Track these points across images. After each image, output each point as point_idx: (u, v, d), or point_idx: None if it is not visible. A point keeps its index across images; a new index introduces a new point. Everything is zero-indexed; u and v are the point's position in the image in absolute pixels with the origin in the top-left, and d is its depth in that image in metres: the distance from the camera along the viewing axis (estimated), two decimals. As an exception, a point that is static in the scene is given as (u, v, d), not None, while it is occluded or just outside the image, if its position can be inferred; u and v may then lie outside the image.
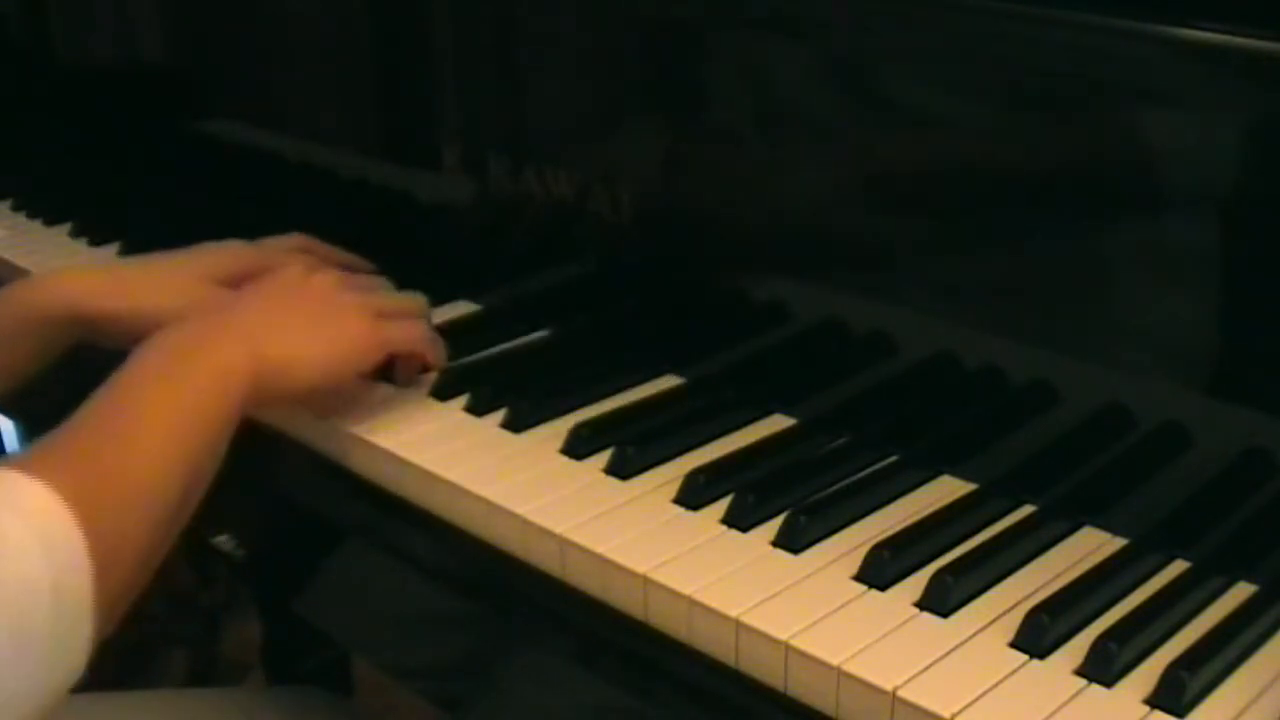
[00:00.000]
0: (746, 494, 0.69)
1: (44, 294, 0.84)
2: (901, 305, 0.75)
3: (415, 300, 0.83)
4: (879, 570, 0.64)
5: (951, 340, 0.73)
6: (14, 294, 0.84)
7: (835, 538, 0.67)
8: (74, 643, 0.57)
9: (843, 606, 0.62)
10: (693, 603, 0.62)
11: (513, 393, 0.79)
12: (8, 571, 0.55)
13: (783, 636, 0.59)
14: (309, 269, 0.80)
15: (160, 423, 0.66)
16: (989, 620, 0.61)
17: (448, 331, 0.86)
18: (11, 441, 1.63)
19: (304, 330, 0.75)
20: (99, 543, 0.59)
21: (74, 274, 0.86)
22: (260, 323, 0.74)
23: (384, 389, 0.82)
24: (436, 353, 0.82)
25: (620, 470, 0.73)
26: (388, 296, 0.82)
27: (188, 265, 0.86)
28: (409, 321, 0.81)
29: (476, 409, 0.79)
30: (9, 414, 1.41)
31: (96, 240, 1.09)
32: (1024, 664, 0.59)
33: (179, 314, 0.82)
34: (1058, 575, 0.65)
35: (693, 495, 0.70)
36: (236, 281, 0.86)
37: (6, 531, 0.56)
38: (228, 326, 0.73)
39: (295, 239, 0.91)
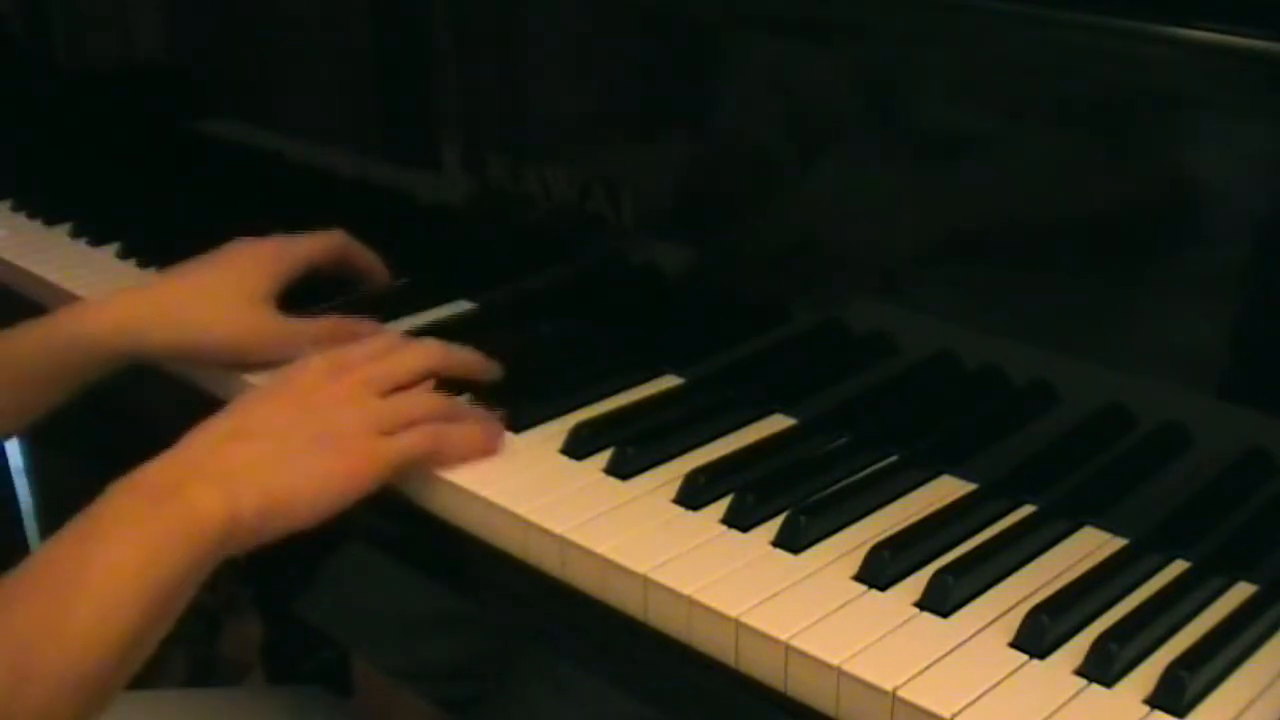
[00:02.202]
0: (746, 494, 0.69)
1: (90, 326, 0.81)
2: (901, 305, 0.75)
3: (433, 398, 0.75)
4: (879, 570, 0.64)
5: (951, 340, 0.73)
6: (59, 326, 0.81)
7: (835, 538, 0.67)
8: None
9: (843, 606, 0.62)
10: (693, 603, 0.62)
11: (512, 393, 0.79)
12: None
13: (783, 636, 0.59)
14: (317, 372, 0.73)
15: (113, 585, 0.61)
16: (989, 620, 0.61)
17: (447, 331, 0.86)
18: (11, 442, 1.63)
19: (298, 464, 0.68)
20: (15, 701, 0.57)
21: (121, 304, 0.83)
22: (245, 459, 0.67)
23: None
24: (466, 442, 0.74)
25: (620, 470, 0.73)
26: (401, 401, 0.73)
27: (236, 284, 0.82)
28: (424, 431, 0.72)
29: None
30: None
31: (96, 240, 1.08)
32: (1024, 664, 0.59)
33: (229, 343, 0.82)
34: (1058, 575, 0.65)
35: (693, 495, 0.70)
36: (284, 291, 0.85)
37: None
38: (205, 467, 0.66)
39: (336, 236, 0.90)
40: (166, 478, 0.66)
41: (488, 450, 0.74)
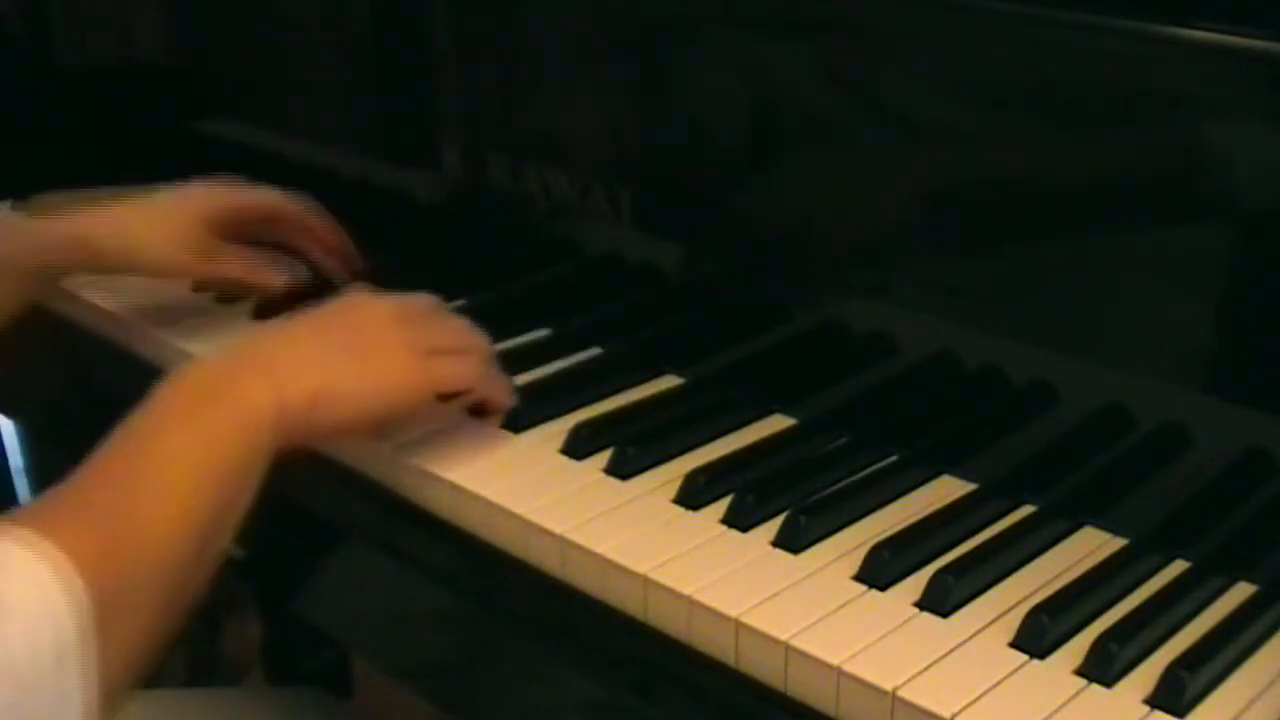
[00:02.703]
0: (746, 494, 0.69)
1: (47, 239, 0.86)
2: (901, 305, 0.75)
3: (474, 337, 0.78)
4: (879, 570, 0.64)
5: (951, 340, 0.73)
6: (19, 237, 0.87)
7: (835, 538, 0.67)
8: (76, 710, 0.55)
9: (843, 606, 0.62)
10: (693, 603, 0.62)
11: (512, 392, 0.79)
12: (8, 641, 0.53)
13: (783, 636, 0.59)
14: (365, 300, 0.75)
15: (176, 473, 0.62)
16: (989, 620, 0.61)
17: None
18: (11, 441, 1.63)
19: (338, 365, 0.70)
20: (108, 607, 0.56)
21: (79, 221, 0.88)
22: (289, 358, 0.70)
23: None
24: (496, 393, 0.77)
25: (620, 470, 0.73)
26: (442, 333, 0.76)
27: (184, 205, 0.87)
28: (461, 360, 0.76)
29: (476, 409, 0.79)
30: (9, 414, 1.41)
31: (96, 240, 1.08)
32: (1024, 664, 0.59)
33: (172, 260, 0.87)
34: (1058, 575, 0.65)
35: (693, 495, 0.70)
36: (235, 230, 0.89)
37: (6, 598, 0.53)
38: (252, 363, 0.69)
39: (301, 203, 0.92)
40: (214, 374, 0.68)
41: (509, 401, 0.77)
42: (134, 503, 0.61)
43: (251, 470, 0.66)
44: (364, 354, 0.71)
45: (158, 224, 0.88)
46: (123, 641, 0.58)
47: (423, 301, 0.78)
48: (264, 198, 0.93)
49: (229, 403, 0.66)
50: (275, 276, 0.90)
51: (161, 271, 0.90)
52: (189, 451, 0.63)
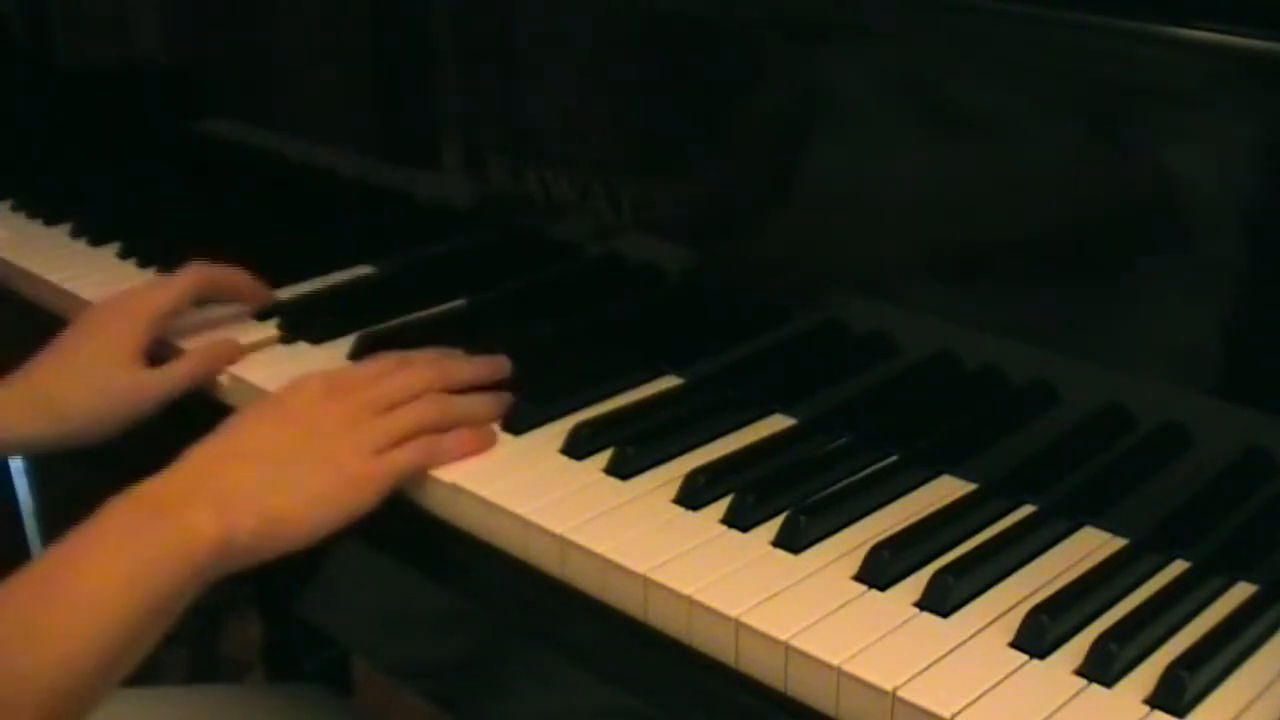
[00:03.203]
0: (746, 494, 0.69)
1: None
2: (901, 305, 0.75)
3: (425, 374, 0.77)
4: (879, 570, 0.64)
5: (951, 340, 0.73)
6: None
7: (835, 538, 0.67)
8: None
9: (843, 606, 0.62)
10: (693, 603, 0.62)
11: (513, 393, 0.79)
12: None
13: (783, 636, 0.59)
14: (309, 392, 0.74)
15: (93, 591, 0.61)
16: (989, 620, 0.61)
17: (446, 330, 0.86)
18: (15, 457, 1.63)
19: (293, 486, 0.69)
20: None
21: None
22: (241, 485, 0.68)
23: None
24: (471, 418, 0.76)
25: (620, 470, 0.73)
26: (391, 394, 0.75)
27: (106, 350, 0.82)
28: (417, 447, 0.73)
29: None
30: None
31: (96, 240, 1.08)
32: (1024, 664, 0.59)
33: (108, 411, 0.81)
34: (1058, 575, 0.65)
35: (693, 495, 0.70)
36: (151, 343, 0.84)
37: None
38: (203, 491, 0.67)
39: (195, 272, 0.87)
40: (165, 494, 0.67)
41: (480, 451, 0.75)
42: (39, 619, 0.60)
43: (180, 598, 0.65)
44: (321, 467, 0.70)
45: (89, 382, 0.81)
46: None
47: (370, 366, 0.78)
48: (169, 295, 0.87)
49: (172, 528, 0.64)
50: (228, 343, 0.87)
51: (110, 432, 0.82)
52: (117, 573, 0.62)
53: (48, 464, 1.59)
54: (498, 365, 0.82)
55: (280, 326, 0.90)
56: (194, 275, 0.88)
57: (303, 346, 0.89)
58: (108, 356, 0.82)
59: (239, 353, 0.86)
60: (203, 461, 0.70)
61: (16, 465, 1.63)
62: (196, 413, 0.82)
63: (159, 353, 0.87)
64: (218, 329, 0.90)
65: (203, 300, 0.91)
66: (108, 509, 0.65)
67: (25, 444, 0.83)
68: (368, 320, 0.90)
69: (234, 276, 0.91)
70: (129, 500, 0.66)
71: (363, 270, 1.01)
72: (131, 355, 0.83)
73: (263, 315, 0.92)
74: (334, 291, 0.98)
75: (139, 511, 0.65)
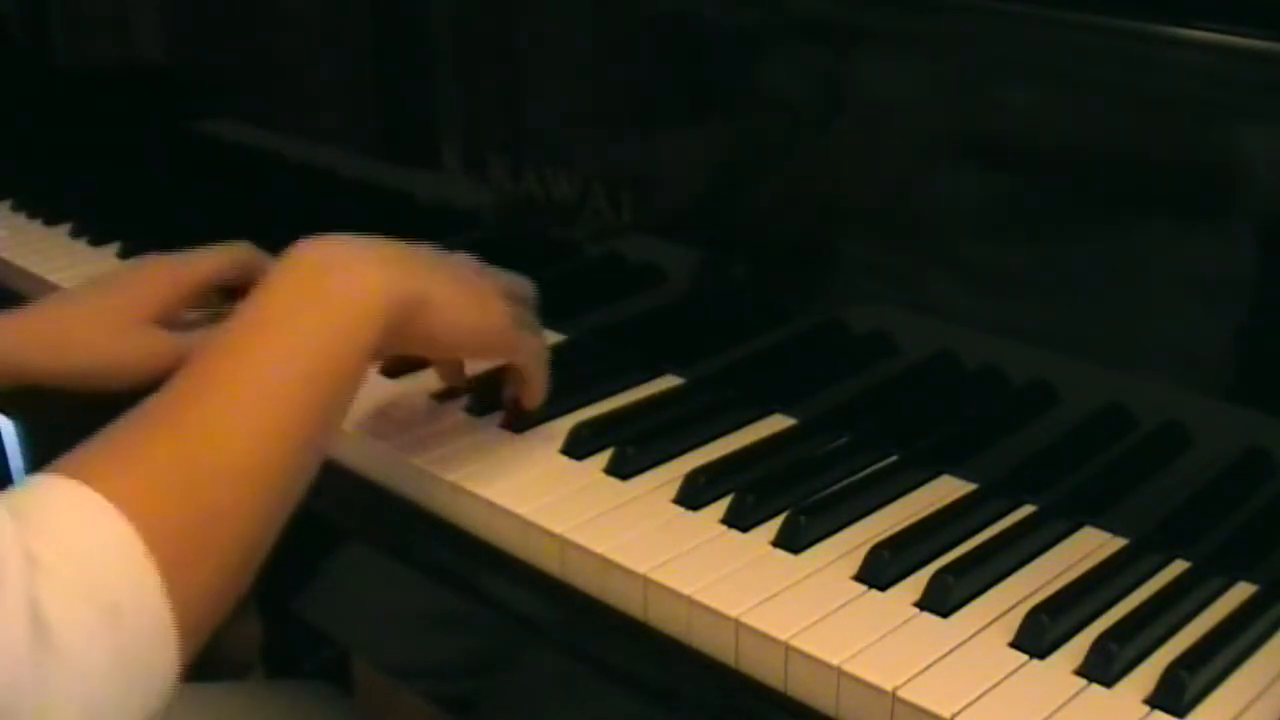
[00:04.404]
0: (746, 494, 0.69)
1: None
2: (901, 305, 0.75)
3: (543, 339, 0.77)
4: (879, 570, 0.64)
5: (951, 340, 0.73)
6: None
7: (835, 538, 0.67)
8: (154, 670, 0.52)
9: (843, 606, 0.62)
10: (693, 603, 0.62)
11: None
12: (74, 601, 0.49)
13: (783, 636, 0.59)
14: (480, 263, 0.75)
15: (267, 378, 0.59)
16: (989, 620, 0.61)
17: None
18: (11, 441, 1.63)
19: (447, 282, 0.69)
20: (176, 569, 0.52)
21: (5, 329, 0.80)
22: (404, 258, 0.68)
23: (382, 390, 0.81)
24: (538, 394, 0.76)
25: (620, 470, 0.73)
26: (534, 321, 0.76)
27: (123, 306, 0.80)
28: (535, 355, 0.75)
29: (476, 410, 0.79)
30: (9, 414, 1.41)
31: (96, 240, 1.09)
32: (1024, 664, 0.59)
33: (115, 366, 0.79)
34: (1058, 575, 0.65)
35: (693, 495, 0.70)
36: (178, 312, 0.83)
37: (77, 551, 0.49)
38: (369, 251, 0.67)
39: (240, 251, 0.86)
40: (333, 253, 0.65)
41: (537, 404, 0.76)
42: (228, 408, 0.57)
43: (353, 368, 0.63)
44: (469, 289, 0.70)
45: (101, 325, 0.80)
46: (203, 583, 0.55)
47: (527, 286, 0.78)
48: (204, 268, 0.85)
49: (342, 286, 0.64)
50: None
51: (112, 383, 0.80)
52: (286, 355, 0.61)
53: (48, 461, 1.59)
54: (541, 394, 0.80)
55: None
56: (239, 253, 0.86)
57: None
58: (128, 310, 0.81)
59: None
60: (365, 238, 0.68)
61: (16, 465, 1.63)
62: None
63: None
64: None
65: (241, 283, 0.88)
66: (274, 280, 0.63)
67: (23, 371, 0.80)
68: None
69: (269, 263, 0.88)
70: (295, 262, 0.64)
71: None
72: (152, 314, 0.81)
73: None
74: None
75: (307, 272, 0.64)
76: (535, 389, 0.76)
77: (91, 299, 0.83)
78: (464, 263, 0.73)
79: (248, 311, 0.63)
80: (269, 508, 0.59)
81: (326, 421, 0.62)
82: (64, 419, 0.85)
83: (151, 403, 0.59)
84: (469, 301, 0.70)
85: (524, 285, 0.77)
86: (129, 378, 0.79)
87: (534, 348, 0.75)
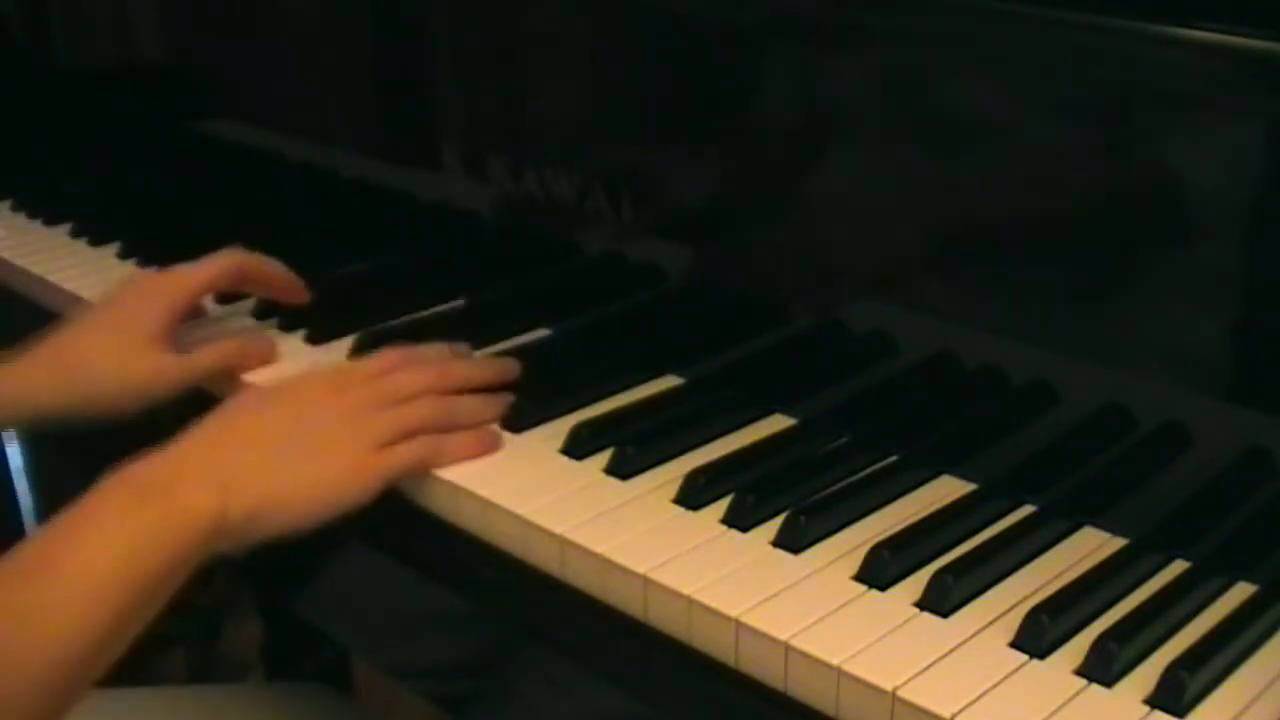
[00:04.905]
0: (746, 494, 0.69)
1: None
2: (901, 305, 0.75)
3: (426, 375, 0.76)
4: (879, 570, 0.64)
5: (951, 340, 0.73)
6: None
7: (835, 538, 0.67)
8: None
9: (843, 606, 0.62)
10: (693, 603, 0.62)
11: (513, 393, 0.79)
12: None
13: (783, 636, 0.59)
14: (311, 384, 0.73)
15: (85, 576, 0.61)
16: (989, 620, 0.61)
17: (446, 330, 0.86)
18: (11, 441, 1.63)
19: (288, 469, 0.69)
20: None
21: (7, 375, 0.80)
22: (236, 465, 0.68)
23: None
24: (469, 418, 0.75)
25: (620, 470, 0.73)
26: (392, 392, 0.74)
27: (125, 328, 0.80)
28: (416, 446, 0.72)
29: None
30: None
31: (96, 240, 1.08)
32: (1024, 664, 0.59)
33: (125, 391, 0.79)
34: (1058, 575, 0.65)
35: (693, 495, 0.70)
36: (176, 326, 0.83)
37: None
38: (197, 465, 0.67)
39: (231, 257, 0.85)
40: (158, 473, 0.66)
41: (483, 453, 0.74)
42: (35, 602, 0.60)
43: (174, 577, 0.64)
44: (317, 453, 0.70)
45: (102, 351, 0.80)
46: None
47: (375, 361, 0.77)
48: (198, 279, 0.85)
49: (165, 506, 0.64)
50: (262, 341, 0.86)
51: (123, 406, 0.80)
52: (110, 553, 0.62)
53: (48, 463, 1.59)
54: (505, 367, 0.81)
55: (279, 326, 0.90)
56: (229, 260, 0.85)
57: (301, 346, 0.88)
58: (131, 333, 0.81)
59: (272, 353, 0.85)
60: (198, 443, 0.69)
61: (16, 465, 1.63)
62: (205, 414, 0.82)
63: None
64: (213, 326, 0.90)
65: (235, 290, 0.89)
66: (101, 488, 0.64)
67: (38, 411, 0.81)
68: (366, 320, 0.90)
69: (271, 267, 0.87)
70: (122, 479, 0.65)
71: (362, 269, 1.01)
72: (156, 335, 0.81)
73: (261, 314, 0.92)
74: (333, 291, 0.97)
75: (133, 490, 0.65)
76: (465, 421, 0.75)
77: (90, 326, 0.82)
78: (306, 415, 0.71)
79: (71, 513, 0.63)
80: (64, 688, 0.61)
81: (132, 620, 0.63)
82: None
83: (6, 562, 0.61)
84: (317, 486, 0.69)
85: (367, 370, 0.76)
86: (138, 401, 0.80)
87: (406, 458, 0.72)
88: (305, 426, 0.71)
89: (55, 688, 0.60)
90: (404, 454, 0.72)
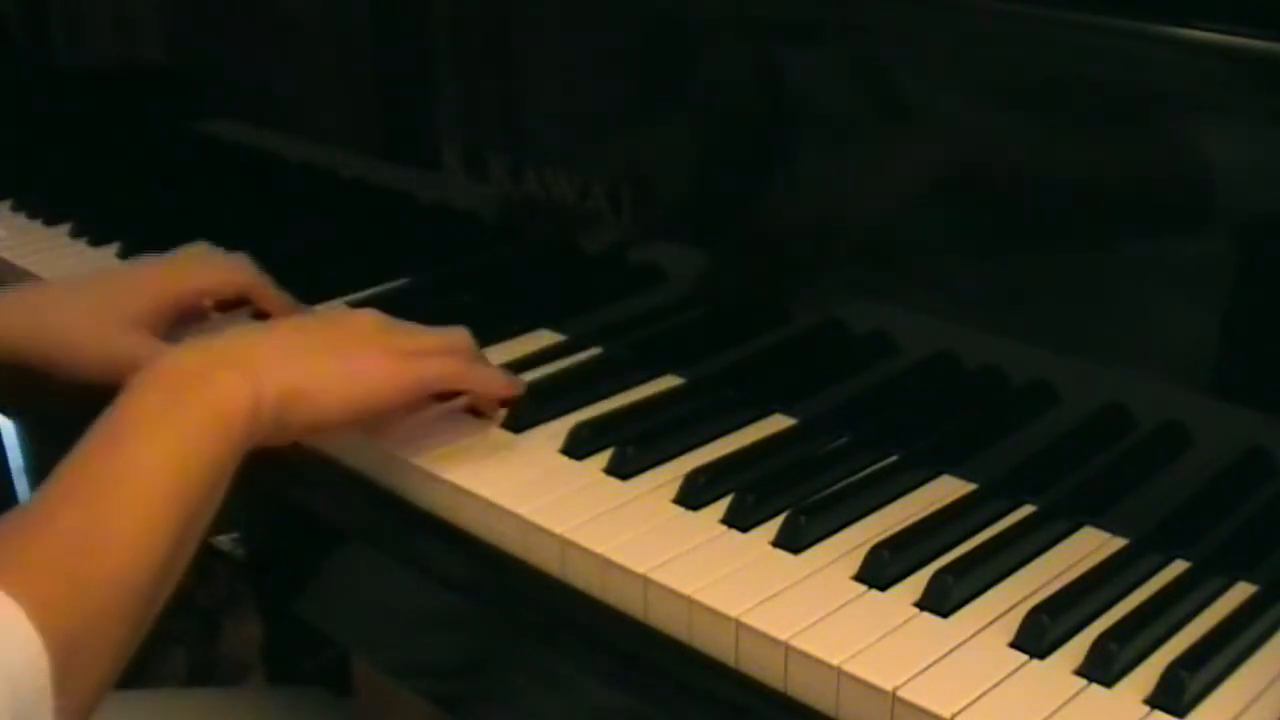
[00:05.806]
0: (746, 494, 0.69)
1: None
2: (901, 305, 0.75)
3: (456, 338, 0.76)
4: (879, 570, 0.64)
5: (951, 340, 0.73)
6: None
7: (835, 538, 0.67)
8: None
9: (843, 606, 0.62)
10: (693, 603, 0.62)
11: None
12: None
13: (783, 636, 0.59)
14: (344, 308, 0.73)
15: (144, 487, 0.60)
16: (989, 620, 0.61)
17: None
18: (11, 441, 1.63)
19: (316, 361, 0.69)
20: (69, 655, 0.54)
21: None
22: (265, 352, 0.67)
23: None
24: (490, 385, 0.76)
25: (620, 470, 0.73)
26: (423, 337, 0.74)
27: (109, 305, 0.80)
28: (446, 358, 0.74)
29: (476, 409, 0.79)
30: (8, 414, 1.41)
31: (96, 240, 1.08)
32: (1024, 664, 0.59)
33: (94, 362, 0.78)
34: (1058, 575, 0.65)
35: (693, 495, 0.70)
36: (168, 321, 0.82)
37: None
38: (227, 355, 0.66)
39: (241, 272, 0.85)
40: (189, 366, 0.65)
41: (507, 390, 0.75)
42: (97, 531, 0.58)
43: (223, 471, 0.63)
44: (343, 352, 0.70)
45: (80, 316, 0.79)
46: (86, 678, 0.56)
47: (405, 323, 0.77)
48: (197, 282, 0.84)
49: (203, 398, 0.63)
50: None
51: (81, 374, 0.78)
52: (160, 460, 0.61)
53: (48, 464, 1.59)
54: (514, 383, 0.79)
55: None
56: (234, 275, 0.85)
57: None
58: (112, 308, 0.80)
59: None
60: (227, 338, 0.68)
61: (16, 465, 1.63)
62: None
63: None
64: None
65: (236, 300, 0.88)
66: (130, 396, 0.63)
67: (11, 355, 0.79)
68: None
69: (279, 299, 0.87)
70: (151, 382, 0.64)
71: (361, 269, 1.01)
72: (137, 318, 0.80)
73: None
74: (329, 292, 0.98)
75: (167, 388, 0.63)
76: (485, 388, 0.76)
77: (78, 290, 0.82)
78: (338, 325, 0.73)
79: (110, 422, 0.62)
80: (144, 606, 0.59)
81: (195, 520, 0.62)
82: (64, 422, 0.85)
83: (55, 492, 0.60)
84: (348, 380, 0.69)
85: (401, 321, 0.76)
86: (100, 374, 0.78)
87: (439, 369, 0.73)
88: (343, 338, 0.71)
89: (131, 615, 0.58)
90: (434, 364, 0.72)
